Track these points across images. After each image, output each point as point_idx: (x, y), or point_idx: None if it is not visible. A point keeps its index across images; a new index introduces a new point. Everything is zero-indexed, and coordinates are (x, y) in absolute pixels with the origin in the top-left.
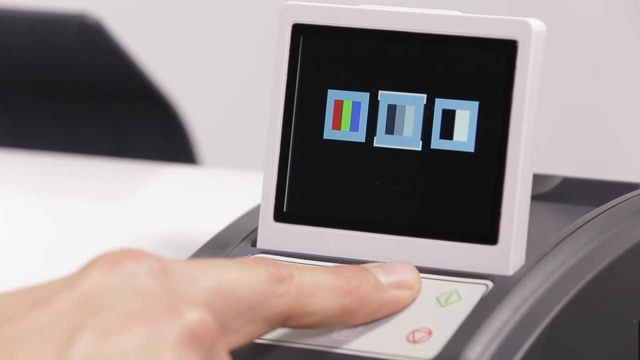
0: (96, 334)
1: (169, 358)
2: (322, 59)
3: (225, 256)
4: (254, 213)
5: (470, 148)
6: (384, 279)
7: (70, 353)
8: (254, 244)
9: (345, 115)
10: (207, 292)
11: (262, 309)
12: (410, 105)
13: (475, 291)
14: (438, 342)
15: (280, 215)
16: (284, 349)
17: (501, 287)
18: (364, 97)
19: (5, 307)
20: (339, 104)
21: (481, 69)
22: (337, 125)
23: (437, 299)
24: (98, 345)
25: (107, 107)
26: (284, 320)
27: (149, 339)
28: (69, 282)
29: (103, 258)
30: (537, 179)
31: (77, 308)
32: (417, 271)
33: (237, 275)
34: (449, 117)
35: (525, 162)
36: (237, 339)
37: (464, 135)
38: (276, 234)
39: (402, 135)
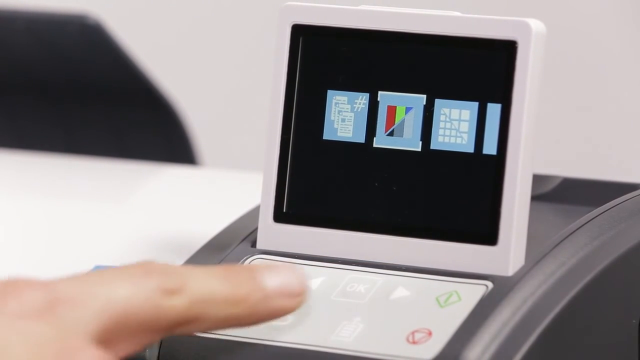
0: None
1: None
2: (322, 59)
3: (225, 257)
4: (254, 214)
5: (470, 149)
6: (271, 285)
7: None
8: (253, 244)
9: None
10: (97, 316)
11: (153, 323)
12: (410, 106)
13: (475, 292)
14: (438, 342)
15: (280, 216)
16: (284, 349)
17: (501, 288)
18: (363, 98)
19: None
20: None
21: (481, 69)
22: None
23: (437, 299)
24: None
25: (107, 108)
26: (172, 329)
27: None
28: None
29: None
30: (537, 179)
31: None
32: (305, 280)
33: (125, 293)
34: (448, 118)
35: (525, 162)
36: (127, 349)
37: (464, 135)
38: (276, 235)
39: (401, 136)
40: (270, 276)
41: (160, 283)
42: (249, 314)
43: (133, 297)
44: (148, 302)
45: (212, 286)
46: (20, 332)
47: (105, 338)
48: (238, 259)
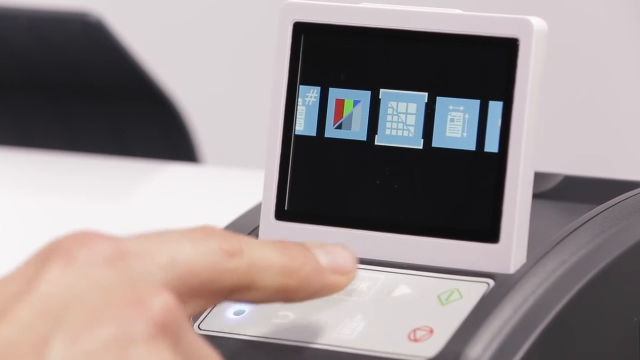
0: (66, 343)
1: (142, 353)
2: (323, 57)
3: None
4: (255, 211)
5: (472, 146)
6: (324, 261)
7: None
8: None
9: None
10: (162, 270)
11: (212, 284)
12: (411, 104)
13: (476, 289)
14: (439, 340)
15: (282, 214)
16: (284, 348)
17: (502, 286)
18: (365, 96)
19: None
20: (340, 103)
21: (482, 67)
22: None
23: (439, 297)
24: (70, 354)
25: (108, 106)
26: (229, 295)
27: (119, 338)
28: (25, 283)
29: (55, 250)
30: (539, 177)
31: (41, 317)
32: (355, 257)
33: (189, 251)
34: (450, 116)
35: (526, 160)
36: (188, 310)
37: (465, 133)
38: (277, 232)
39: (403, 133)
40: (323, 252)
41: (221, 244)
42: (301, 286)
43: (196, 256)
44: (210, 262)
45: (268, 254)
46: (92, 280)
47: None
48: None
